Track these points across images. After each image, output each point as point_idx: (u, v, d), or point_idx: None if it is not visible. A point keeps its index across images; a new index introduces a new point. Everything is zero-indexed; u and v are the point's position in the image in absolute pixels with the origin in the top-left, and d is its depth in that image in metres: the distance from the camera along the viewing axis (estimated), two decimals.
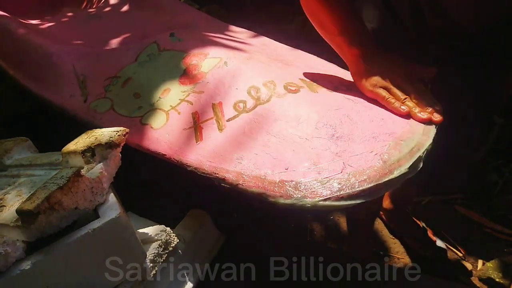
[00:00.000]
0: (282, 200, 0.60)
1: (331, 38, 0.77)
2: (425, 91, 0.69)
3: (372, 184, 0.57)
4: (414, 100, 0.68)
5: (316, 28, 0.79)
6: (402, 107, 0.67)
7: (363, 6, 0.87)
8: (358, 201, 0.57)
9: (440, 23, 0.75)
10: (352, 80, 0.77)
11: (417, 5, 0.75)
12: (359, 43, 0.72)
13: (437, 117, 0.66)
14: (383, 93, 0.69)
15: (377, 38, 0.77)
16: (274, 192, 0.60)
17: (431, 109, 0.66)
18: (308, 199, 0.58)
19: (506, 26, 0.72)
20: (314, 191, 0.58)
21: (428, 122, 0.67)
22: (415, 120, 0.66)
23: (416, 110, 0.67)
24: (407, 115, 0.68)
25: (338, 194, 0.57)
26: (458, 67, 0.80)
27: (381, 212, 1.32)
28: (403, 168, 0.59)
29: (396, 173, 0.59)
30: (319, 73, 0.84)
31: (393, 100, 0.68)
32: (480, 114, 0.87)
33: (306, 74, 0.82)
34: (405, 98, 0.68)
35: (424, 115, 0.66)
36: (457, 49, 0.78)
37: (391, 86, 0.69)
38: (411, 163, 0.60)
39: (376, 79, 0.70)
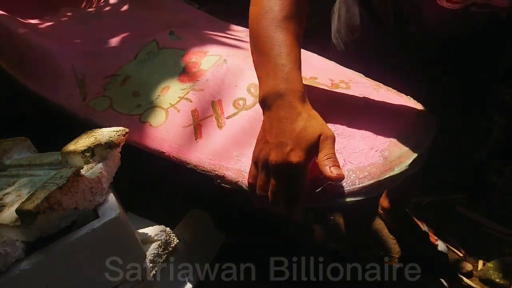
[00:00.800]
0: None
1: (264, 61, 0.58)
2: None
3: (373, 181, 0.57)
4: None
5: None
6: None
7: (346, 15, 0.90)
8: (358, 198, 0.57)
9: (420, 29, 0.76)
10: (351, 76, 0.77)
11: (401, 12, 0.77)
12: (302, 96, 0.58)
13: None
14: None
15: (361, 46, 0.78)
16: None
17: None
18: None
19: (477, 36, 0.74)
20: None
21: (430, 119, 0.67)
22: None
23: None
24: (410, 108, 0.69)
25: (338, 191, 0.57)
26: (445, 70, 0.82)
27: (381, 212, 1.32)
28: (404, 165, 0.59)
29: (397, 170, 0.58)
30: (318, 70, 0.84)
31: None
32: (468, 116, 0.88)
33: (306, 71, 0.82)
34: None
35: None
36: (438, 55, 0.81)
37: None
38: (412, 160, 0.59)
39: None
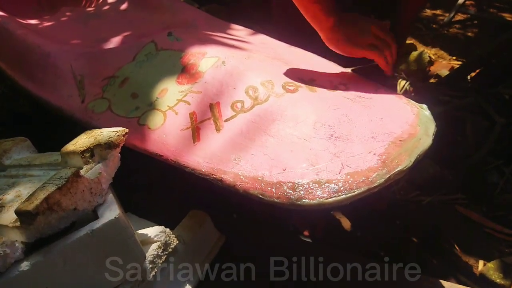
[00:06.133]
0: (279, 201, 0.60)
1: (306, 7, 0.79)
2: (394, 38, 0.81)
3: (370, 186, 0.57)
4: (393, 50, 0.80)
5: None
6: (389, 66, 0.80)
7: None
8: (355, 200, 0.58)
9: None
10: (350, 78, 0.77)
11: None
12: (334, 10, 0.77)
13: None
14: (375, 49, 0.78)
15: None
16: (272, 193, 0.60)
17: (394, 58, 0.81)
18: (306, 200, 0.58)
19: None
20: (311, 193, 0.58)
21: (429, 121, 0.67)
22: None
23: (391, 63, 0.81)
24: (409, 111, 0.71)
25: (335, 195, 0.57)
26: None
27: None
28: (401, 167, 0.59)
29: (393, 173, 0.59)
30: (318, 72, 0.84)
31: (384, 60, 0.79)
32: None
33: (305, 73, 0.82)
34: (387, 51, 0.79)
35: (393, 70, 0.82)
36: None
37: (378, 42, 0.78)
38: (409, 162, 0.60)
39: (363, 39, 0.77)
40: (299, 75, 0.80)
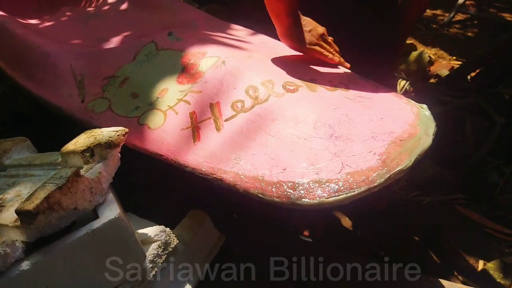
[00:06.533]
0: (279, 201, 0.60)
1: (272, 5, 0.87)
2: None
3: (370, 185, 0.57)
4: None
5: None
6: (335, 58, 0.87)
7: None
8: (355, 199, 0.58)
9: None
10: (350, 78, 0.77)
11: None
12: (294, 12, 0.85)
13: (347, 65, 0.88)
14: (319, 48, 0.86)
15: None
16: (272, 192, 0.60)
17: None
18: (306, 199, 0.58)
19: None
20: (312, 192, 0.58)
21: (429, 120, 0.67)
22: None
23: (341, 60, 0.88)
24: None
25: (336, 194, 0.57)
26: None
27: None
28: (401, 167, 0.59)
29: (393, 172, 0.59)
30: (318, 72, 0.84)
31: (327, 53, 0.86)
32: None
33: (305, 73, 0.82)
34: (333, 51, 0.87)
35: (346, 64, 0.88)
36: None
37: (322, 43, 0.86)
38: (409, 162, 0.60)
39: (310, 39, 0.85)
40: (299, 75, 0.80)
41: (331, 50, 0.88)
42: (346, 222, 1.31)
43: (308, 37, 0.85)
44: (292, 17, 0.85)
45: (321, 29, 0.87)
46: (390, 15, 0.94)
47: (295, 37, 0.86)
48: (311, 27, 0.86)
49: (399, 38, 1.01)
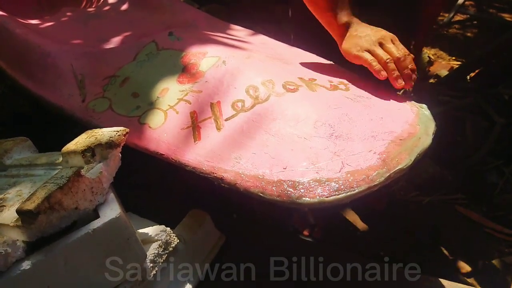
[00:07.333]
0: (280, 200, 0.60)
1: (321, 14, 0.82)
2: (407, 54, 0.74)
3: (370, 184, 0.58)
4: (396, 63, 0.73)
5: (307, 5, 0.83)
6: (381, 72, 0.73)
7: None
8: (355, 198, 0.58)
9: None
10: (350, 78, 0.77)
11: None
12: (346, 17, 0.79)
13: (407, 84, 0.73)
14: (366, 55, 0.74)
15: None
16: (272, 191, 0.61)
17: (407, 71, 0.72)
18: (306, 198, 0.58)
19: None
20: (312, 191, 0.59)
21: (429, 120, 0.67)
22: (393, 84, 0.73)
23: (395, 75, 0.72)
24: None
25: (336, 193, 0.58)
26: None
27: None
28: (401, 166, 0.59)
29: (393, 171, 0.59)
30: (318, 71, 0.84)
31: (375, 63, 0.73)
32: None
33: (305, 73, 0.82)
34: (388, 59, 0.73)
35: (400, 82, 0.73)
36: None
37: (375, 48, 0.74)
38: (409, 161, 0.60)
39: (361, 43, 0.76)
40: (299, 75, 0.80)
41: (385, 59, 0.73)
42: (346, 222, 1.31)
43: (359, 42, 0.76)
44: (346, 24, 0.79)
45: (379, 34, 0.76)
46: (405, 15, 0.91)
47: (345, 42, 0.77)
48: (366, 31, 0.77)
49: (419, 44, 0.98)
